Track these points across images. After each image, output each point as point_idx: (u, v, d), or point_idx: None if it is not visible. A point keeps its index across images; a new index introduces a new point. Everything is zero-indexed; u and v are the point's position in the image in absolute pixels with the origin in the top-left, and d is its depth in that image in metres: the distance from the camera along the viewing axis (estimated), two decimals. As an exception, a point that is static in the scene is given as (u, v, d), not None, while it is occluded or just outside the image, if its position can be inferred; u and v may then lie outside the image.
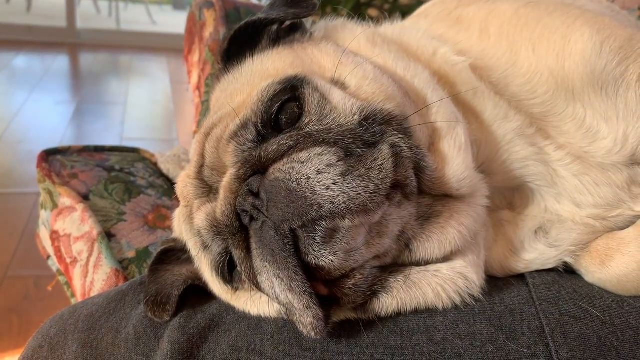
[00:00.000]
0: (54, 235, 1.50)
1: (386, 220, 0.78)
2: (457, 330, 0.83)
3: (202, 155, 0.90)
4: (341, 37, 1.03)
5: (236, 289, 0.91)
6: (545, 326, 0.82)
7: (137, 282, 1.01)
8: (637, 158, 0.90)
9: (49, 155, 1.61)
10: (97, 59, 7.05)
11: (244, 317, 0.90)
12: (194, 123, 1.87)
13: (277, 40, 1.02)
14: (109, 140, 4.70)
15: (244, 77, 0.96)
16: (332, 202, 0.72)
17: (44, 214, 1.56)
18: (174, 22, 9.20)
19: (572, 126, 0.92)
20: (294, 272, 0.75)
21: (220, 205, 0.83)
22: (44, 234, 1.59)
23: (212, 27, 1.76)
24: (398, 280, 0.84)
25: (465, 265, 0.85)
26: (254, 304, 0.90)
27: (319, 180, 0.73)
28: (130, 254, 1.37)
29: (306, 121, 0.83)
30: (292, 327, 0.85)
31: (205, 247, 0.89)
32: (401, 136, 0.81)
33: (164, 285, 0.96)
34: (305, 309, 0.77)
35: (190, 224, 0.93)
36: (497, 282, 0.90)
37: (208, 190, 0.89)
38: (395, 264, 0.85)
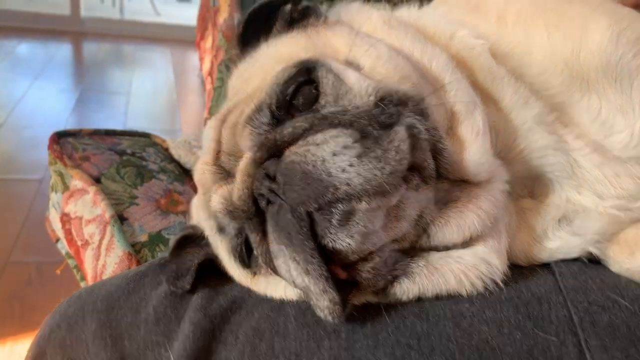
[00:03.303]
0: (65, 218, 1.49)
1: (404, 204, 0.77)
2: (483, 317, 0.82)
3: (219, 142, 0.89)
4: (357, 20, 1.02)
5: (254, 273, 0.90)
6: (573, 315, 0.81)
7: (155, 263, 1.01)
8: None
9: (60, 138, 1.60)
10: (101, 48, 7.02)
11: (266, 299, 0.90)
12: (206, 109, 1.86)
13: (292, 24, 1.01)
14: (112, 129, 4.69)
15: (258, 62, 0.95)
16: (348, 183, 0.71)
17: (54, 196, 1.55)
18: (178, 13, 9.15)
19: (587, 118, 0.91)
20: (310, 255, 0.74)
21: (237, 189, 0.82)
22: (53, 217, 1.58)
23: (227, 13, 1.75)
24: (420, 266, 0.83)
25: (487, 250, 0.85)
26: (274, 287, 0.89)
27: (335, 162, 0.72)
28: (143, 238, 1.36)
29: (322, 102, 0.82)
30: (314, 310, 0.84)
31: (221, 230, 0.89)
32: (418, 117, 0.80)
33: (183, 263, 0.95)
34: (322, 292, 0.76)
35: (207, 210, 0.92)
36: (522, 270, 0.89)
37: (226, 175, 0.88)
38: (413, 249, 0.85)
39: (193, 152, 1.71)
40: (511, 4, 0.99)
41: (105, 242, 1.36)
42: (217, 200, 0.86)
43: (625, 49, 0.88)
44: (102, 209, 1.39)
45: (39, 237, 3.28)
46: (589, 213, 0.91)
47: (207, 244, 0.98)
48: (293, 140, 0.78)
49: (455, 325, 0.81)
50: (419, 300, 0.84)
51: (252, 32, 0.99)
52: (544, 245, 0.92)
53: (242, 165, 0.82)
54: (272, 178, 0.77)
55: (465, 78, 0.90)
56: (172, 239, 1.01)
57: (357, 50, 0.88)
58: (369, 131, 0.76)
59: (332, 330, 0.83)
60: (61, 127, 4.50)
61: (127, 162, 1.56)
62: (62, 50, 6.73)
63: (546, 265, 0.92)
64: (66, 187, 1.49)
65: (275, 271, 0.81)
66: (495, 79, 0.92)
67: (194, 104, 5.67)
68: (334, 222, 0.73)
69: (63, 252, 1.60)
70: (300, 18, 1.00)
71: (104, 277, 1.33)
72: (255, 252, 0.84)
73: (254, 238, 0.82)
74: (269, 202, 0.78)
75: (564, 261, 0.92)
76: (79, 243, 1.43)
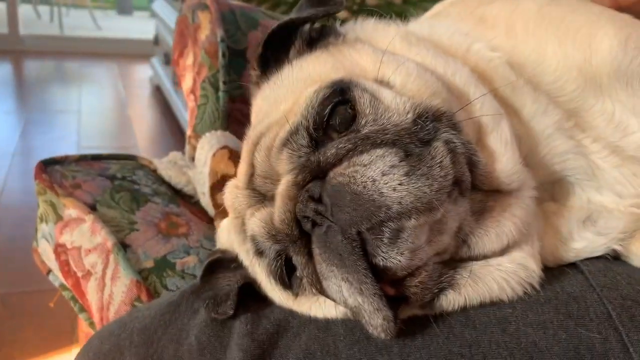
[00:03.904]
0: (60, 249, 1.44)
1: (445, 217, 0.79)
2: (527, 320, 0.84)
3: (252, 165, 0.89)
4: (374, 37, 1.03)
5: (296, 295, 0.90)
6: (610, 311, 0.84)
7: (187, 291, 0.99)
8: None
9: (46, 166, 1.54)
10: (43, 66, 6.80)
11: (310, 320, 0.89)
12: (189, 128, 1.83)
13: (311, 43, 1.01)
14: (66, 149, 4.53)
15: (285, 84, 0.95)
16: (400, 202, 0.73)
17: (45, 227, 1.49)
18: (120, 26, 8.97)
19: (602, 121, 0.95)
20: (364, 275, 0.75)
21: (279, 212, 0.82)
22: (44, 248, 1.52)
23: (208, 30, 1.73)
24: (464, 277, 0.85)
25: (524, 255, 0.87)
26: (319, 307, 0.89)
27: (385, 181, 0.73)
28: (149, 264, 1.33)
29: (362, 122, 0.83)
30: (363, 326, 0.85)
31: (260, 253, 0.88)
32: (453, 132, 0.82)
33: (220, 288, 0.94)
34: (376, 310, 0.77)
35: (242, 234, 0.92)
36: (552, 272, 0.92)
37: (261, 198, 0.88)
38: (453, 260, 0.86)
39: (184, 173, 1.68)
40: (517, 14, 1.02)
41: (109, 271, 1.32)
42: (256, 223, 0.86)
43: (634, 53, 0.93)
44: (103, 238, 1.35)
45: (2, 267, 3.15)
46: (611, 213, 0.95)
47: (239, 268, 0.97)
48: (336, 161, 0.78)
49: (502, 330, 0.84)
50: (463, 308, 0.86)
51: (272, 52, 0.99)
52: (570, 246, 0.95)
53: (283, 188, 0.82)
54: (317, 200, 0.77)
55: (488, 90, 0.93)
56: (203, 265, 0.99)
57: (386, 68, 0.89)
58: (411, 149, 0.77)
59: (384, 345, 0.84)
60: (12, 151, 4.35)
61: (120, 187, 1.52)
62: (2, 70, 6.47)
63: (573, 265, 0.96)
64: (59, 217, 1.44)
65: (322, 292, 0.81)
66: (515, 89, 0.95)
67: (148, 118, 5.56)
68: (385, 240, 0.74)
69: (56, 284, 1.54)
70: (318, 37, 1.01)
71: (112, 307, 1.29)
72: (299, 273, 0.84)
73: (299, 260, 0.82)
74: (314, 224, 0.78)
75: (590, 259, 0.96)
76: (79, 274, 1.38)
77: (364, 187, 0.73)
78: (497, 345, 0.82)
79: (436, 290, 0.83)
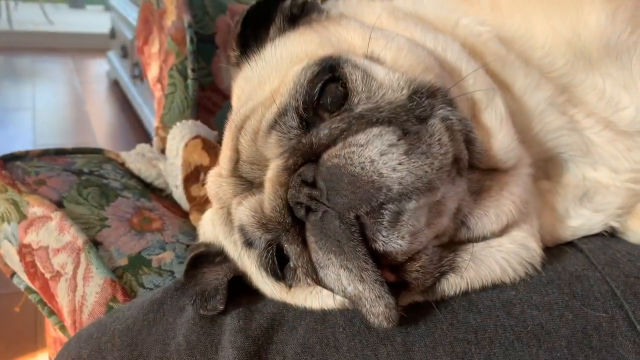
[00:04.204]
0: (25, 250, 1.35)
1: (444, 198, 0.76)
2: (532, 302, 0.82)
3: (237, 150, 0.83)
4: (359, 13, 0.99)
5: (290, 286, 0.85)
6: (614, 289, 0.82)
7: (171, 288, 0.93)
8: None
9: (6, 162, 1.44)
10: (-7, 63, 6.52)
11: (306, 311, 0.85)
12: (157, 118, 1.75)
13: (293, 20, 0.96)
14: (21, 148, 4.36)
15: (269, 63, 0.90)
16: (400, 183, 0.69)
17: (7, 228, 1.40)
18: (72, 20, 8.67)
19: (593, 96, 0.93)
20: (364, 261, 0.71)
21: (269, 199, 0.77)
22: (7, 250, 1.42)
23: (175, 15, 1.65)
24: (465, 259, 0.82)
25: (524, 235, 0.85)
26: (314, 298, 0.84)
27: (384, 161, 0.69)
28: (123, 262, 1.26)
29: (355, 101, 0.78)
30: (362, 316, 0.81)
31: (249, 244, 0.83)
32: (449, 108, 0.78)
33: (207, 283, 0.89)
34: (378, 298, 0.73)
35: (229, 225, 0.86)
36: (551, 251, 0.90)
37: (249, 186, 0.83)
38: (452, 243, 0.83)
39: (154, 165, 1.61)
40: None
41: (80, 270, 1.24)
42: (244, 212, 0.80)
43: (621, 26, 0.91)
44: (73, 235, 1.27)
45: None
46: (607, 189, 0.93)
47: (225, 261, 0.92)
48: (330, 142, 0.74)
49: (507, 313, 0.81)
50: (465, 293, 0.83)
51: (251, 31, 0.93)
52: (567, 224, 0.93)
53: (272, 173, 0.77)
54: (311, 184, 0.73)
55: (479, 65, 0.89)
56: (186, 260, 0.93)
57: (375, 44, 0.85)
58: (409, 127, 0.73)
59: (386, 335, 0.80)
60: (-36, 151, 4.15)
61: (88, 182, 1.44)
62: (-51, 68, 6.18)
63: (571, 244, 0.94)
64: (23, 216, 1.35)
65: (318, 282, 0.77)
66: (506, 64, 0.92)
67: (106, 114, 5.40)
68: (385, 224, 0.71)
69: (21, 287, 1.45)
70: (300, 14, 0.96)
71: (85, 308, 1.22)
72: (292, 264, 0.80)
73: (293, 250, 0.77)
74: (308, 210, 0.74)
75: (588, 237, 0.94)
76: (48, 275, 1.29)
77: (362, 168, 0.69)
78: (503, 329, 0.79)
79: (437, 274, 0.80)
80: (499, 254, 0.83)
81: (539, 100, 0.92)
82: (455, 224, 0.81)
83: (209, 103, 1.73)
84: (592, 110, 0.93)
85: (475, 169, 0.82)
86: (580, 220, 0.93)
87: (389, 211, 0.70)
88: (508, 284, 0.84)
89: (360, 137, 0.71)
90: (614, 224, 0.94)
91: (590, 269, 0.86)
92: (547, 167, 0.97)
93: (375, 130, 0.72)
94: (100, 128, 5.01)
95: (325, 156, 0.72)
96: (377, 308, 0.74)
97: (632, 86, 0.92)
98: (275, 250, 0.81)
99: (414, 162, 0.70)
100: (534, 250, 0.85)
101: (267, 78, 0.86)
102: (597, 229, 0.94)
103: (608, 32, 0.91)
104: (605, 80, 0.92)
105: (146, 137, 4.29)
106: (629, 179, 0.93)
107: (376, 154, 0.70)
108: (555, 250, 0.91)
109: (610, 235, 0.97)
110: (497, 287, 0.84)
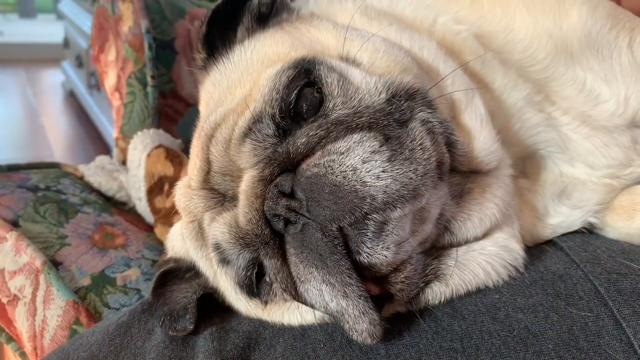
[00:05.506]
0: (-22, 274, 1.27)
1: (428, 204, 0.72)
2: (516, 305, 0.79)
3: (208, 161, 0.78)
4: (331, 12, 0.95)
5: (266, 302, 0.81)
6: (598, 287, 0.80)
7: (138, 310, 0.87)
8: (638, 121, 0.93)
9: (-45, 181, 1.36)
10: (-61, 76, 6.25)
11: (284, 328, 0.80)
12: (116, 129, 1.68)
13: (261, 20, 0.92)
14: (-27, 164, 4.19)
15: (239, 66, 0.85)
16: (385, 191, 0.65)
17: (-42, 250, 1.31)
18: (23, 30, 8.41)
19: (573, 90, 0.92)
20: (348, 276, 0.68)
21: (244, 212, 0.72)
22: (-41, 274, 1.34)
23: (131, 21, 1.59)
24: (449, 266, 0.79)
25: (505, 237, 0.83)
26: (293, 314, 0.80)
27: (367, 169, 0.66)
28: (85, 282, 1.19)
29: (331, 106, 0.75)
30: (343, 330, 0.77)
31: (226, 262, 0.78)
32: (429, 111, 0.75)
33: (175, 302, 0.83)
34: (362, 314, 0.69)
35: (200, 240, 0.81)
36: (532, 251, 0.88)
37: (221, 199, 0.78)
38: (434, 248, 0.80)
39: (114, 177, 1.54)
40: None
41: (40, 293, 1.17)
42: (219, 229, 0.76)
43: (602, 21, 0.91)
44: (30, 256, 1.20)
45: None
46: (585, 185, 0.92)
47: (196, 277, 0.87)
48: (308, 151, 0.70)
49: (492, 318, 0.78)
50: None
51: (218, 31, 0.89)
52: (547, 222, 0.92)
53: (247, 185, 0.73)
54: (288, 195, 0.69)
55: (457, 65, 0.87)
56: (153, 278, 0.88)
57: (351, 45, 0.81)
58: (390, 131, 0.70)
59: (369, 349, 0.76)
60: None
61: (44, 199, 1.37)
62: None
63: (550, 242, 0.92)
64: (-25, 237, 1.27)
65: (297, 297, 0.73)
66: (485, 63, 0.90)
67: (63, 126, 5.23)
68: (369, 234, 0.67)
69: (-24, 313, 1.36)
70: (269, 13, 0.91)
71: (47, 333, 1.15)
72: (269, 279, 0.75)
73: (273, 264, 0.73)
74: (287, 222, 0.70)
75: (567, 235, 0.92)
76: (4, 300, 1.22)
77: (344, 177, 0.65)
78: (489, 335, 0.76)
79: (422, 285, 0.77)
80: (482, 257, 0.80)
81: (517, 98, 0.91)
82: (439, 230, 0.78)
83: (170, 111, 1.67)
84: (571, 105, 0.92)
85: (456, 172, 0.79)
86: (560, 218, 0.92)
87: (374, 221, 0.66)
88: (491, 287, 0.81)
89: (341, 145, 0.68)
90: (593, 220, 0.93)
91: (573, 267, 0.84)
92: (524, 166, 0.95)
93: (356, 136, 0.68)
94: (57, 141, 4.85)
95: (303, 165, 0.69)
96: (361, 325, 0.70)
97: (612, 80, 0.91)
98: (257, 269, 0.77)
99: (397, 169, 0.66)
100: (517, 252, 0.82)
101: (238, 82, 0.82)
102: (576, 225, 0.92)
103: (589, 25, 0.91)
104: (586, 73, 0.92)
105: (105, 149, 4.17)
106: (606, 174, 0.92)
107: (358, 161, 0.66)
108: (536, 249, 0.89)
109: (588, 231, 0.95)
110: (480, 292, 0.81)
